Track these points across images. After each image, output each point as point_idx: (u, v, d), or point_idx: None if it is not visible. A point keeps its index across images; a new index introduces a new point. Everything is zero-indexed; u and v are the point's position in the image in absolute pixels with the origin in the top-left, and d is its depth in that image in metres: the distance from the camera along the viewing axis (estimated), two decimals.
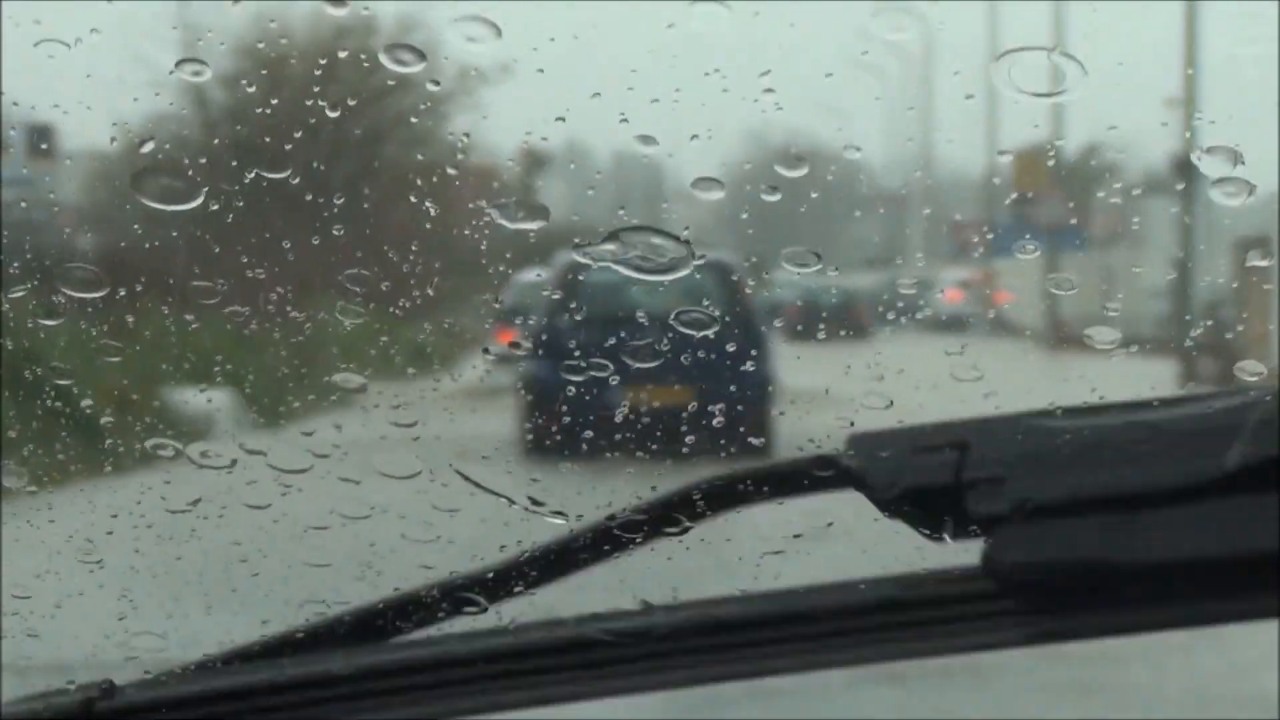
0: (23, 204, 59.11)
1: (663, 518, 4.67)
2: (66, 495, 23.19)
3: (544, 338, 25.12)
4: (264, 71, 54.98)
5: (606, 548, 4.60)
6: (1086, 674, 18.45)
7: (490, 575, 4.68)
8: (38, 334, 26.16)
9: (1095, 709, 17.24)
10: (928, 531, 3.93)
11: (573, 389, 27.42)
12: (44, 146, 61.63)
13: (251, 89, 52.50)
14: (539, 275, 28.75)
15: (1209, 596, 3.72)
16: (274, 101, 48.24)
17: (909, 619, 3.91)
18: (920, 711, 16.11)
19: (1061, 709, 17.15)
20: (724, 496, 4.65)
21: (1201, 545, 3.59)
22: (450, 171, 53.76)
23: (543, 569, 4.61)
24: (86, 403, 24.89)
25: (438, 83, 48.53)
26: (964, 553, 3.74)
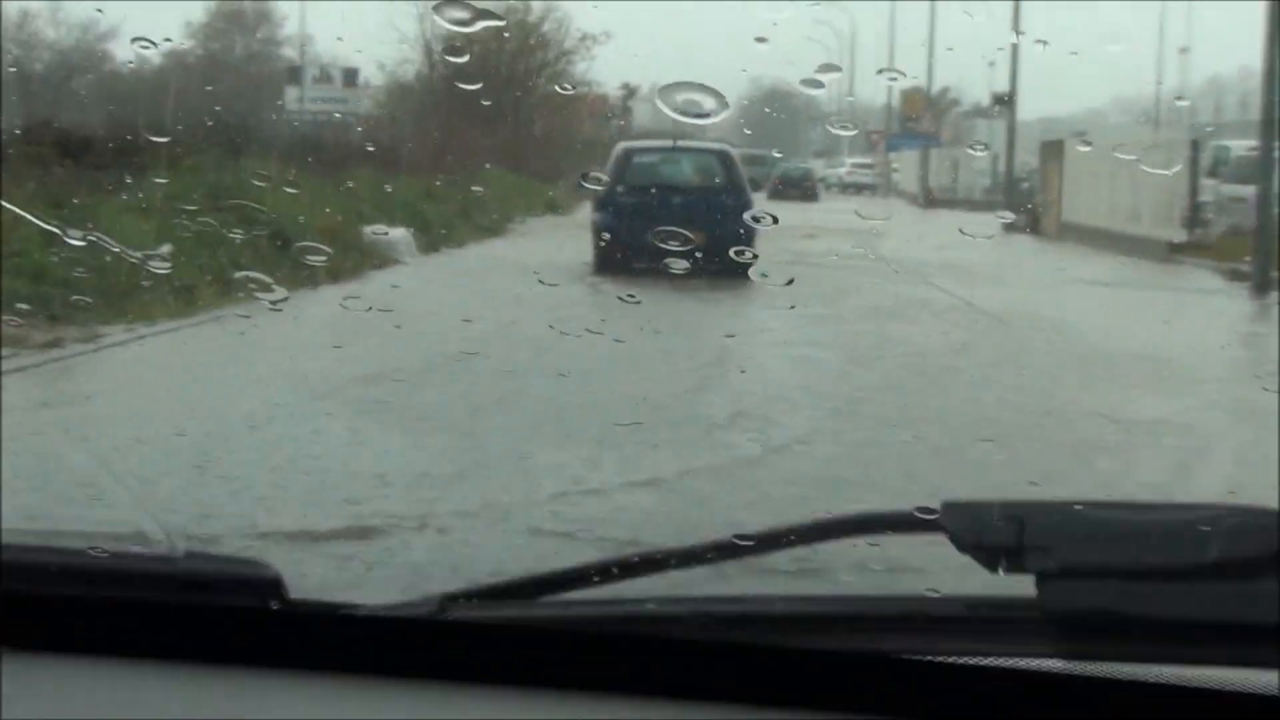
0: (337, 114, 55.78)
1: (777, 542, 3.02)
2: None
3: (604, 203, 24.18)
4: (459, 33, 51.96)
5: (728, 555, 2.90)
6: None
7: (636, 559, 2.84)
8: (283, 191, 22.15)
9: None
10: (990, 568, 2.66)
11: (621, 235, 22.89)
12: (349, 76, 58.23)
13: (453, 42, 50.49)
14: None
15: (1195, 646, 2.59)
16: (468, 51, 42.40)
17: (964, 628, 2.70)
18: None
19: None
20: (833, 530, 3.07)
21: (1185, 611, 2.60)
22: (571, 94, 47.52)
23: (678, 560, 2.91)
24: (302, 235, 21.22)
25: (574, 42, 42.38)
26: (1014, 587, 2.65)
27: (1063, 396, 13.99)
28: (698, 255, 24.45)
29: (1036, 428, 12.68)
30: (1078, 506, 2.74)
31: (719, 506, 9.63)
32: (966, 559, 2.66)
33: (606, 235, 23.29)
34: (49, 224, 15.49)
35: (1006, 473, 10.74)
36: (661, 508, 9.45)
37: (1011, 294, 24.24)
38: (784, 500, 9.82)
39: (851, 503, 9.86)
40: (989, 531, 2.65)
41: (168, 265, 16.50)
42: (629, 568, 2.81)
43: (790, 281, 20.11)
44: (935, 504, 2.78)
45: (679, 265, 25.76)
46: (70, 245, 16.08)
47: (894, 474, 10.81)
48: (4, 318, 13.53)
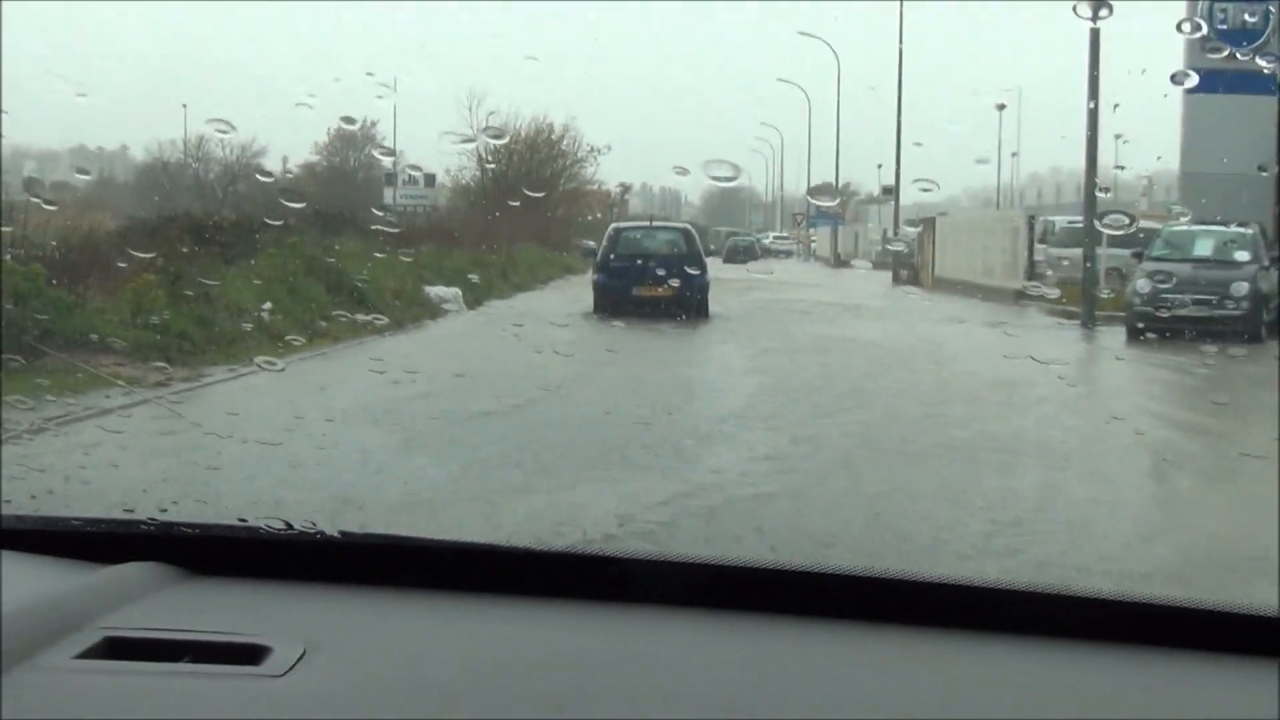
0: (420, 207, 54.17)
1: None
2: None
3: (601, 264, 23.50)
4: (501, 147, 50.68)
5: None
6: None
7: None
8: (356, 260, 20.72)
9: None
10: None
11: (613, 286, 21.29)
12: (429, 180, 56.55)
13: (498, 154, 49.49)
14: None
15: None
16: (509, 158, 41.19)
17: None
18: None
19: None
20: None
21: None
22: (585, 192, 46.33)
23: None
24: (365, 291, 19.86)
25: (584, 152, 40.55)
26: None
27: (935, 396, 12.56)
28: (667, 303, 24.37)
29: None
30: None
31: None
32: None
33: (602, 289, 22.91)
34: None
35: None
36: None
37: (898, 327, 23.27)
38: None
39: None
40: None
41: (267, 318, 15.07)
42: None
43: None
44: None
45: (653, 309, 25.43)
46: (190, 304, 14.62)
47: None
48: (130, 365, 12.09)
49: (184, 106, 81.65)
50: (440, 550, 2.32)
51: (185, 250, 15.99)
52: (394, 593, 2.18)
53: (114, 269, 14.72)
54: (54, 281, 12.63)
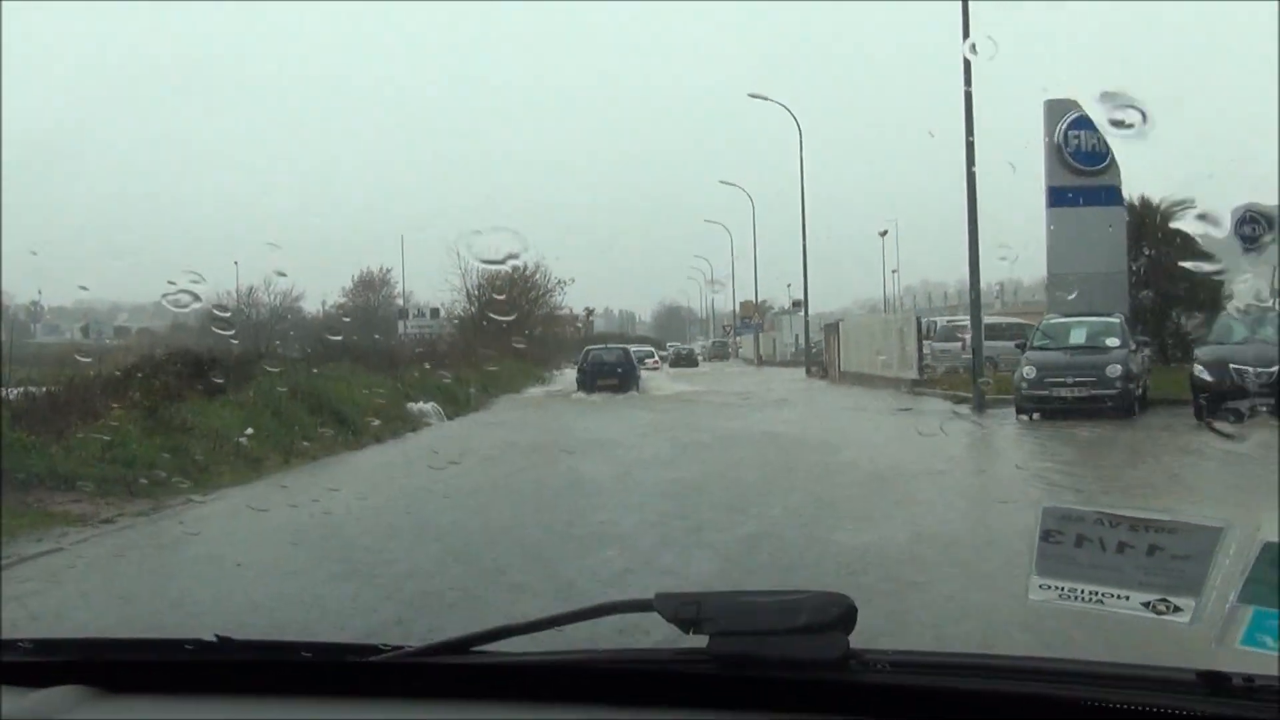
0: (427, 333, 51.62)
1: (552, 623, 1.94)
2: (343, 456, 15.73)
3: (581, 367, 31.03)
4: (485, 280, 48.50)
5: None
6: None
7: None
8: (342, 384, 18.14)
9: None
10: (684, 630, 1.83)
11: (588, 379, 30.11)
12: (434, 313, 54.15)
13: (483, 287, 47.27)
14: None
15: None
16: (494, 289, 37.90)
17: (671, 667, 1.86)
18: None
19: None
20: (585, 614, 1.96)
21: (789, 652, 1.77)
22: (557, 315, 43.55)
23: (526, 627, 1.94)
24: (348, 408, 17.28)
25: (553, 284, 38.98)
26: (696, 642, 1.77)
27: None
28: (616, 387, 26.05)
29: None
30: (730, 593, 1.81)
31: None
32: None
33: (580, 381, 30.43)
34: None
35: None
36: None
37: (807, 412, 22.27)
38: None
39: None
40: (682, 609, 1.73)
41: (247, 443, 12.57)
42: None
43: None
44: None
45: (608, 390, 25.41)
46: (167, 434, 12.09)
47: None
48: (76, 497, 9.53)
49: (235, 263, 79.39)
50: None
51: (165, 386, 13.34)
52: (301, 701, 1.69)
53: (100, 409, 12.20)
54: (19, 424, 10.16)
